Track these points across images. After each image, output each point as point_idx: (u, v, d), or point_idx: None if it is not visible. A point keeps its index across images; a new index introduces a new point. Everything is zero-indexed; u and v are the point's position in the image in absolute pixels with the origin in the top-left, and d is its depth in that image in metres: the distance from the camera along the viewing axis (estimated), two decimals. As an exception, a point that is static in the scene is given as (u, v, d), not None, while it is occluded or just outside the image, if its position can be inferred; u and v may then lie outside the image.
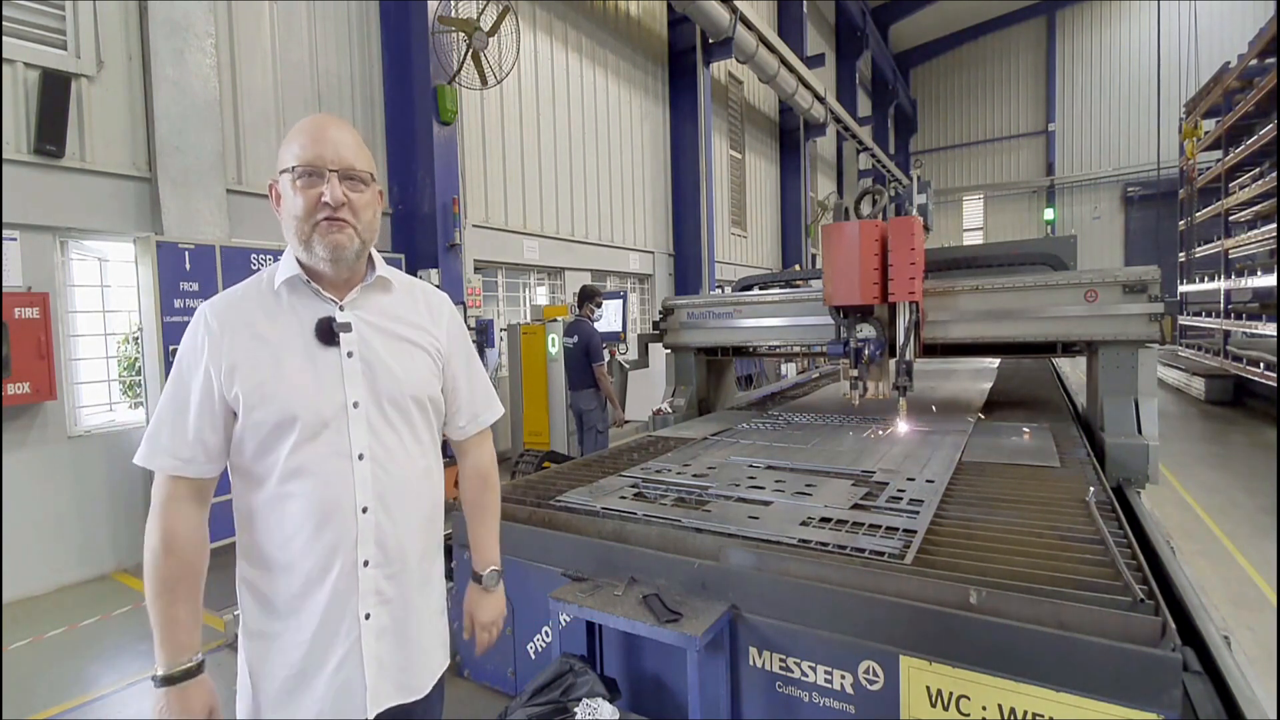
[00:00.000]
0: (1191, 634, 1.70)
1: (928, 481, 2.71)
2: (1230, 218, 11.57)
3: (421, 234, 6.31)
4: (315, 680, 1.15)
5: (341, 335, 1.18)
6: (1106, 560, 1.87)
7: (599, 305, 5.95)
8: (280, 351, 1.16)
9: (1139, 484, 3.12)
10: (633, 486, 2.85)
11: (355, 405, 1.18)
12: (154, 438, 1.14)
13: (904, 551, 1.96)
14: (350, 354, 1.19)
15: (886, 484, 2.69)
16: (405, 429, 1.24)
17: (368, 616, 1.17)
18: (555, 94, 8.89)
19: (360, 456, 1.17)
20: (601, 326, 6.18)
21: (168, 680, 1.09)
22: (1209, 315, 12.04)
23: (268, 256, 4.78)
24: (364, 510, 1.16)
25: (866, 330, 3.68)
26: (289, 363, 1.15)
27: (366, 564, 1.17)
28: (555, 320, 6.74)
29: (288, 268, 1.19)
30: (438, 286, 6.14)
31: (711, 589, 2.07)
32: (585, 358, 5.63)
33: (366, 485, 1.17)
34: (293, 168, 1.13)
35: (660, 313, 4.88)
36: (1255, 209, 10.68)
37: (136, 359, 4.77)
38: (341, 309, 1.20)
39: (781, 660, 1.96)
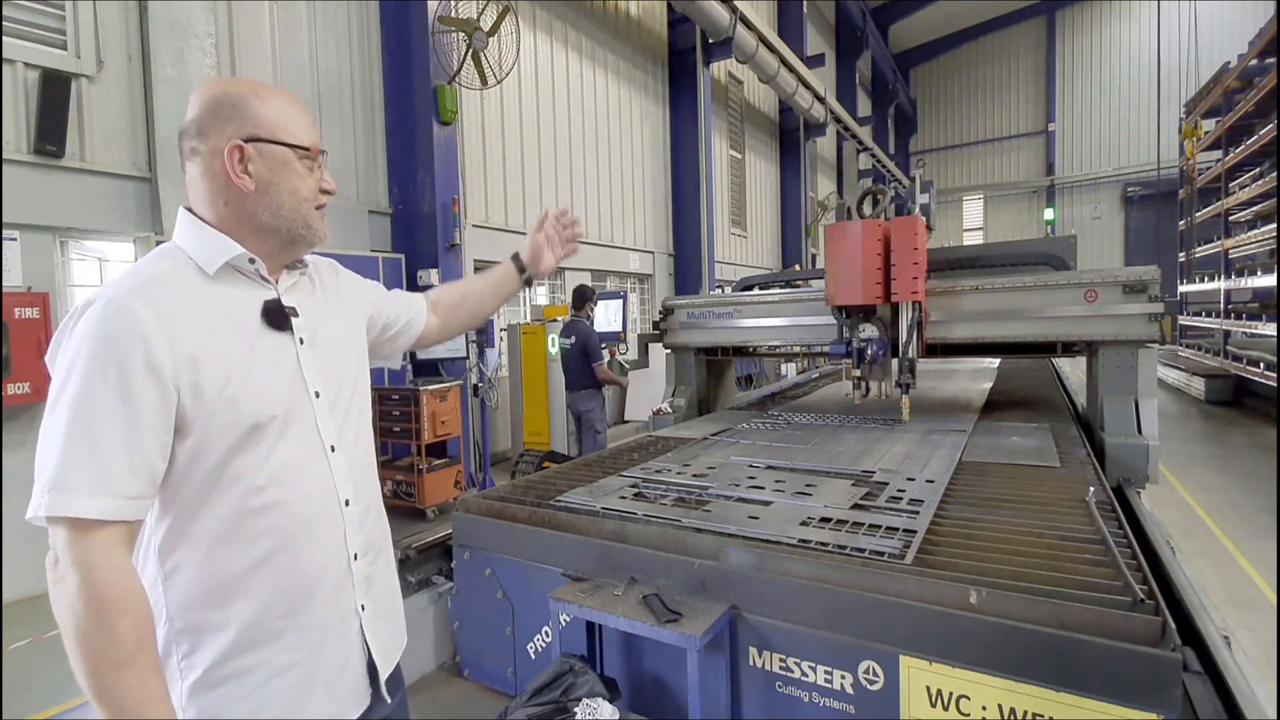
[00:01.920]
0: (1191, 634, 1.70)
1: (928, 481, 2.71)
2: (1230, 218, 11.58)
3: (421, 234, 6.31)
4: (315, 696, 1.07)
5: (292, 320, 1.10)
6: (1107, 560, 1.87)
7: (596, 305, 5.96)
8: (239, 342, 1.02)
9: (1139, 484, 3.12)
10: (633, 486, 2.85)
11: (317, 395, 1.10)
12: (79, 474, 0.87)
13: (904, 551, 1.95)
14: (303, 340, 1.10)
15: (886, 484, 2.69)
16: (358, 413, 1.20)
17: (363, 607, 1.14)
18: (555, 94, 8.89)
19: (332, 448, 1.11)
20: (598, 327, 6.18)
21: None
22: (1209, 315, 12.04)
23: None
24: (346, 503, 1.12)
25: (869, 330, 3.68)
26: (252, 353, 1.03)
27: (356, 557, 1.13)
28: (555, 320, 6.75)
29: (224, 248, 1.04)
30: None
31: (711, 589, 2.07)
32: (583, 358, 5.63)
33: (344, 477, 1.12)
34: (305, 147, 1.08)
35: (660, 313, 4.88)
36: (1255, 209, 10.68)
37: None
38: (280, 294, 1.11)
39: (781, 660, 1.96)
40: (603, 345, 5.86)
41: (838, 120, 16.54)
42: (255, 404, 1.00)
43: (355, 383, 1.20)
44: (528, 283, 1.57)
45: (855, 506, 2.42)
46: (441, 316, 1.52)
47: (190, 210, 1.07)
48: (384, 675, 1.18)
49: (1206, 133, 13.17)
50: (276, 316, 1.07)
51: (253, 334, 1.04)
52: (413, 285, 6.25)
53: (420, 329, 1.47)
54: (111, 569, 0.89)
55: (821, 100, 14.86)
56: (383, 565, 1.23)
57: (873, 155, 20.19)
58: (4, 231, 3.93)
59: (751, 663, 2.02)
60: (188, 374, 0.94)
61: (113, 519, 0.89)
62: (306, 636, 1.06)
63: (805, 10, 15.85)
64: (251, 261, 1.06)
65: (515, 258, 1.57)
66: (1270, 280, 9.14)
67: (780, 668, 1.97)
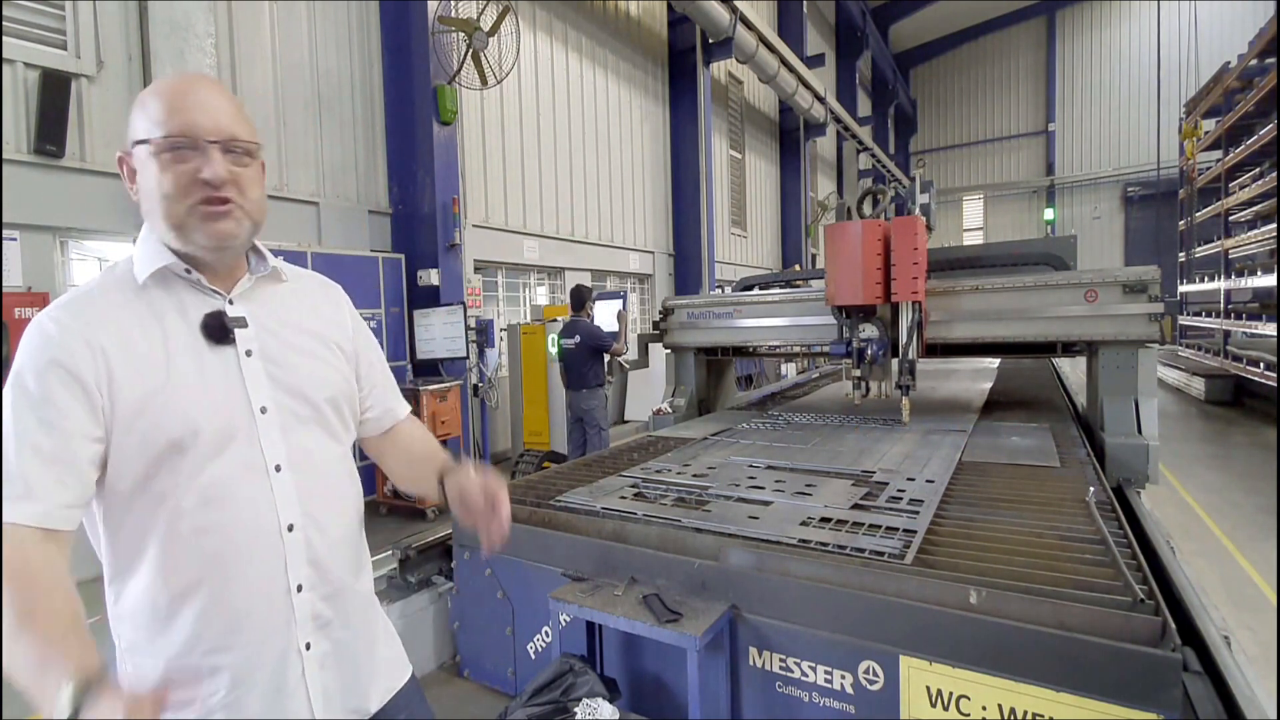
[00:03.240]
0: (1191, 634, 1.70)
1: (928, 481, 2.71)
2: (1230, 218, 11.58)
3: (421, 234, 6.31)
4: None
5: (237, 331, 1.01)
6: (1107, 560, 1.87)
7: (594, 304, 5.97)
8: (163, 355, 0.96)
9: (1139, 484, 3.12)
10: (633, 486, 2.85)
11: (263, 411, 1.01)
12: (11, 482, 0.87)
13: (904, 551, 1.95)
14: (249, 352, 1.02)
15: (886, 484, 2.69)
16: (321, 429, 1.09)
17: (308, 646, 1.03)
18: (555, 94, 8.89)
19: (278, 468, 1.01)
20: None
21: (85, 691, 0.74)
22: (1209, 315, 12.05)
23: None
24: (290, 528, 1.01)
25: (869, 330, 3.69)
26: (177, 367, 0.96)
27: (300, 589, 1.02)
28: (555, 320, 6.75)
29: (156, 256, 0.99)
30: (436, 287, 6.14)
31: (711, 589, 2.07)
32: (593, 354, 5.63)
33: (290, 499, 1.01)
34: (156, 138, 0.95)
35: (660, 313, 4.89)
36: (1255, 209, 10.69)
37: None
38: (230, 303, 1.03)
39: (781, 660, 1.97)
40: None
41: (838, 120, 16.54)
42: (175, 421, 0.94)
43: (320, 396, 1.09)
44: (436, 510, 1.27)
45: (855, 506, 2.42)
46: (386, 448, 1.29)
47: None
48: None
49: (1206, 133, 13.17)
50: (215, 330, 1.00)
51: (183, 346, 0.98)
52: (413, 285, 6.26)
53: (373, 421, 1.25)
54: (19, 543, 0.86)
55: (821, 100, 14.87)
56: (350, 604, 1.10)
57: (873, 155, 20.20)
58: (4, 231, 3.94)
59: (751, 663, 2.02)
60: (108, 389, 0.93)
61: (40, 525, 0.89)
62: (234, 678, 0.97)
63: (805, 10, 15.86)
64: (188, 271, 1.01)
65: (441, 483, 1.24)
66: (1270, 280, 9.14)
67: (780, 668, 1.97)
